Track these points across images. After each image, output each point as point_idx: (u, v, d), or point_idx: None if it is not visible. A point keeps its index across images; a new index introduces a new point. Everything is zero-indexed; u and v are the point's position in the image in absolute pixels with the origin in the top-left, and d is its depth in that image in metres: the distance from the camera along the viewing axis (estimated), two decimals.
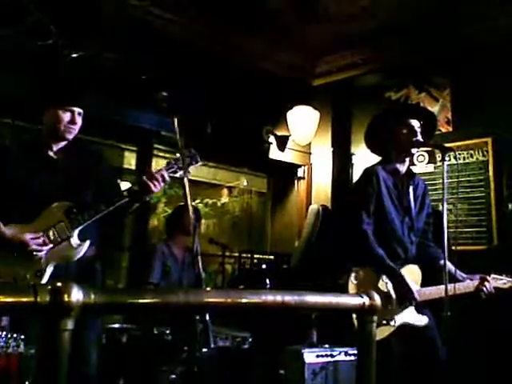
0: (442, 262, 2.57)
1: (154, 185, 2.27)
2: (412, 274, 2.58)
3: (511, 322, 3.54)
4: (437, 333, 2.53)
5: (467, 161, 4.16)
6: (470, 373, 3.42)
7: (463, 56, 4.23)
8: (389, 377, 2.35)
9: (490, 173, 4.05)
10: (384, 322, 2.43)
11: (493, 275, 2.65)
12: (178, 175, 2.34)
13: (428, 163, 4.37)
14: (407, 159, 2.70)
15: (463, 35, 4.06)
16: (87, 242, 2.25)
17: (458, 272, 2.61)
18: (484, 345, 3.65)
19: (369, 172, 2.64)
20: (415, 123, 2.63)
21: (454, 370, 2.52)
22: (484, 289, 2.60)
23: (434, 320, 2.57)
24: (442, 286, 2.43)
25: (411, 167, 2.79)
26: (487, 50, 4.07)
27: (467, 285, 2.61)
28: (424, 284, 2.61)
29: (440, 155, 3.98)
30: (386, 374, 2.34)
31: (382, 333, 2.40)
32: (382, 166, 2.66)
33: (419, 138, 2.62)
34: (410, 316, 2.54)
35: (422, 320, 2.54)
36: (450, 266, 2.48)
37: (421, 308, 2.54)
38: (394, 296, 2.48)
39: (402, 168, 2.67)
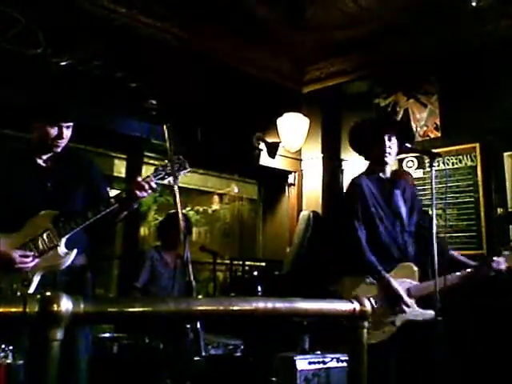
0: (450, 252, 2.79)
1: (141, 192, 2.27)
2: (406, 271, 2.63)
3: (508, 321, 3.57)
4: (431, 332, 2.57)
5: (456, 166, 4.20)
6: (467, 373, 3.43)
7: (451, 62, 4.28)
8: (387, 378, 2.38)
9: (479, 178, 4.09)
10: (387, 322, 2.47)
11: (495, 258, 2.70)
12: (166, 182, 2.33)
13: (417, 169, 4.41)
14: (388, 166, 2.79)
15: (450, 42, 4.10)
16: (74, 251, 2.23)
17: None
18: (480, 343, 3.67)
19: (354, 183, 2.75)
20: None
21: (452, 369, 2.54)
22: (494, 264, 2.66)
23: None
24: (440, 279, 2.47)
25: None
26: (474, 56, 4.12)
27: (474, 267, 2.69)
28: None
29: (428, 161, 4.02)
30: (384, 375, 2.38)
31: (383, 335, 2.44)
32: (366, 175, 2.77)
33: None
34: (412, 312, 2.56)
35: (425, 314, 2.56)
36: (457, 256, 2.71)
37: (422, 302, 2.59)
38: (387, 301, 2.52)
39: (384, 174, 2.77)
